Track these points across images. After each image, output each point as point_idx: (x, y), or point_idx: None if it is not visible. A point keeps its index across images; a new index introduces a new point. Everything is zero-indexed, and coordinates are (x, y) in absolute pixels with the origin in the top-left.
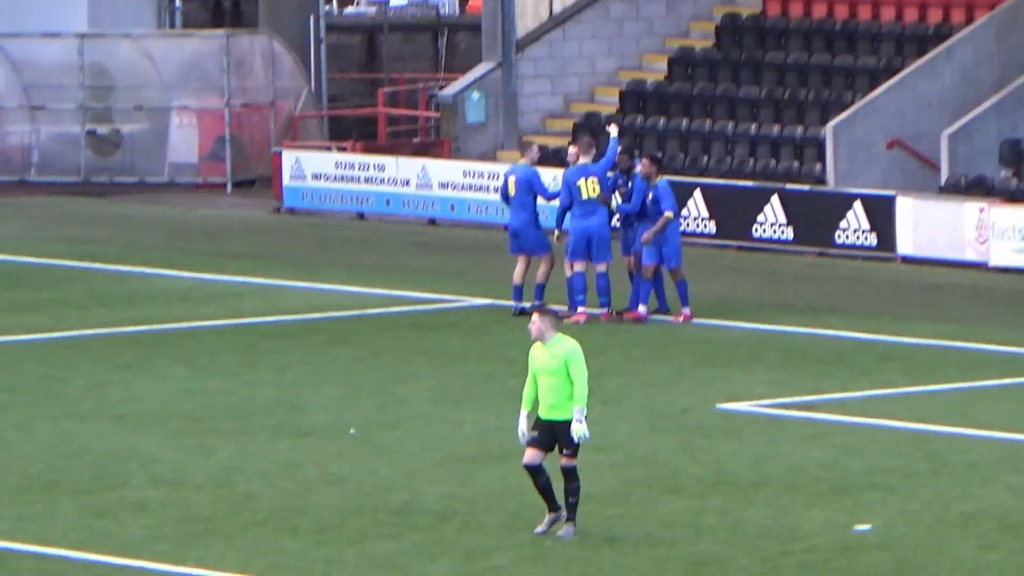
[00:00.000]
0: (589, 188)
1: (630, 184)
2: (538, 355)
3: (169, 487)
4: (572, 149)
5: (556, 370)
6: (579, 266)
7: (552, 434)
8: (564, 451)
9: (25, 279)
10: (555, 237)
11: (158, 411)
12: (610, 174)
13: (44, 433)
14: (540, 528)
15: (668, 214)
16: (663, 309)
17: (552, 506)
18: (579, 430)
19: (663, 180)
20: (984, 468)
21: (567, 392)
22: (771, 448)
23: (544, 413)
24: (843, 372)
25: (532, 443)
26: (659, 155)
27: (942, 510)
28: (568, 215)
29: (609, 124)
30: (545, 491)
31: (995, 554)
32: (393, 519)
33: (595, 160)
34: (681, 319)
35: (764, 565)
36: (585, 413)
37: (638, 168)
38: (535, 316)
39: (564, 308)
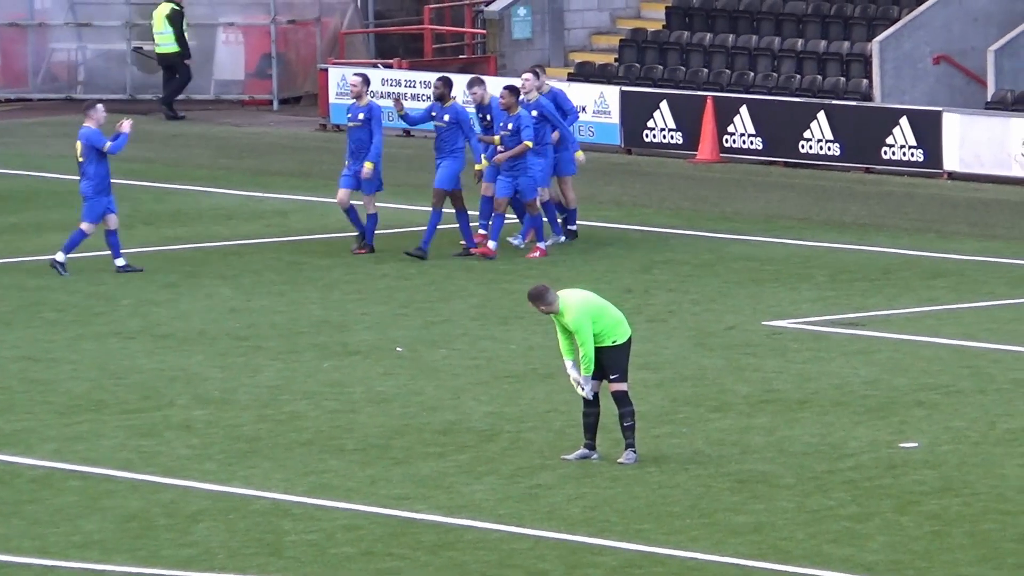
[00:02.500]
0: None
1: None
2: (557, 321)
3: (215, 407)
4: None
5: (574, 334)
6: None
7: (599, 360)
8: (610, 377)
9: (72, 198)
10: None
11: (204, 330)
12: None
13: (91, 352)
14: (568, 455)
15: (527, 143)
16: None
17: (588, 442)
18: (575, 383)
19: (523, 110)
20: None
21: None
22: (817, 366)
23: None
24: (889, 289)
25: None
26: (516, 86)
27: (987, 427)
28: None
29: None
30: (590, 426)
31: None
32: (439, 438)
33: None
34: (538, 253)
35: (810, 483)
36: (583, 376)
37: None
38: (531, 305)
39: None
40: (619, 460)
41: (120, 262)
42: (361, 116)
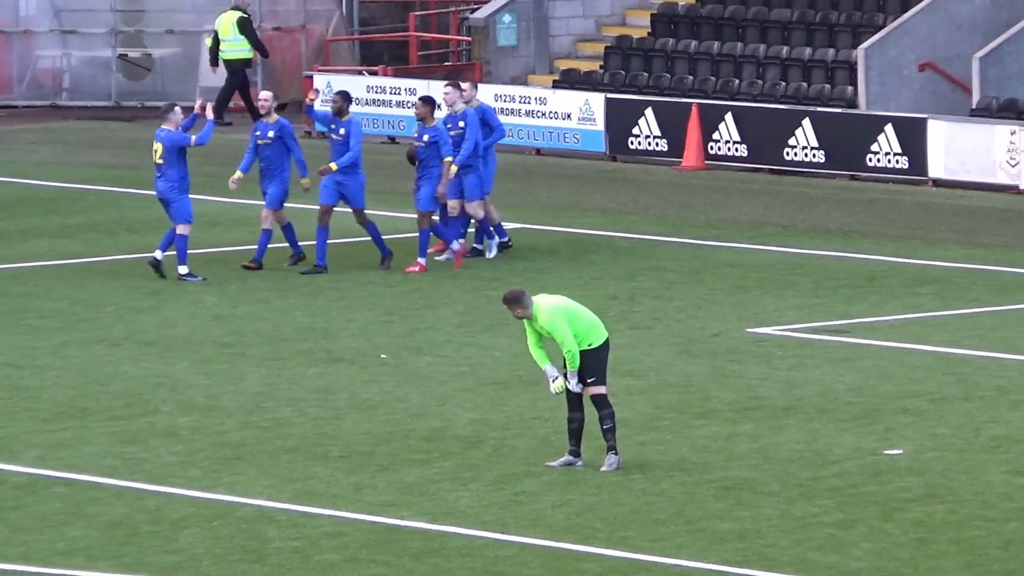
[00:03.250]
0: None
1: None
2: (530, 326)
3: (200, 413)
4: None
5: (550, 335)
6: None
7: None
8: (588, 380)
9: (56, 204)
10: None
11: (189, 337)
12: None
13: (76, 359)
14: (552, 462)
15: (448, 159)
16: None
17: (573, 449)
18: (555, 386)
19: (440, 123)
20: (1014, 392)
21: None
22: (802, 373)
23: None
24: (874, 296)
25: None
26: (432, 96)
27: (972, 434)
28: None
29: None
30: (574, 433)
31: None
32: (424, 445)
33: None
34: (416, 268)
35: (795, 490)
36: (570, 371)
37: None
38: (506, 308)
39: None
40: (602, 468)
41: (183, 269)
42: (271, 134)
